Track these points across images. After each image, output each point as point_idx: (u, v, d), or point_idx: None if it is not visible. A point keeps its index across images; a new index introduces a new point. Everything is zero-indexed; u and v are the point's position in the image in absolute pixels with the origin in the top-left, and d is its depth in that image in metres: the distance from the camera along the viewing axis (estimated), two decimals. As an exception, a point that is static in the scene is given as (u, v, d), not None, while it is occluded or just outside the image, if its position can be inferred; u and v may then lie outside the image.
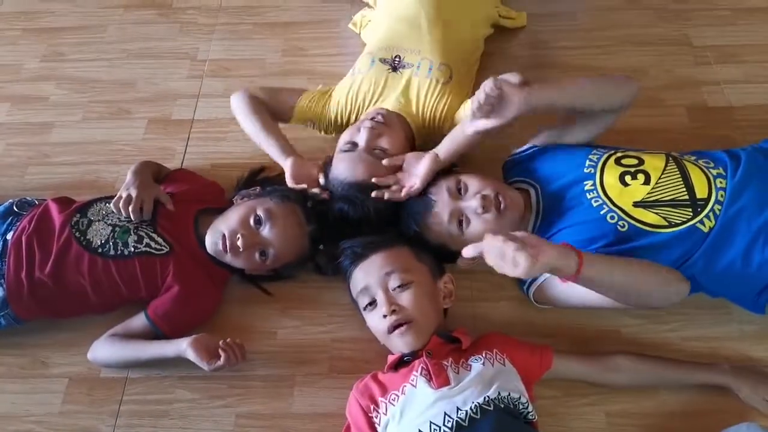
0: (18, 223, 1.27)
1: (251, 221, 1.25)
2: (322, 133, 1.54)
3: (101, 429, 1.19)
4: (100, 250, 1.24)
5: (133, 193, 1.27)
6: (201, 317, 1.28)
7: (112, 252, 1.24)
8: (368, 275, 1.18)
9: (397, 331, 1.12)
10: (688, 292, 1.10)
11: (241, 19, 1.90)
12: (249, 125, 1.43)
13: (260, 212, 1.26)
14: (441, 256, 1.26)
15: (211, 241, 1.26)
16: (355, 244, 1.24)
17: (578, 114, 1.26)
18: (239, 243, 1.22)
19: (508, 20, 1.77)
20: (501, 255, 0.97)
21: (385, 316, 1.13)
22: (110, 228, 1.26)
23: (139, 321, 1.24)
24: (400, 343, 1.13)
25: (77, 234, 1.25)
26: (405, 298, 1.14)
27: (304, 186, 1.33)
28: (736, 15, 1.79)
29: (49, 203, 1.32)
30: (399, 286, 1.15)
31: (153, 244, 1.26)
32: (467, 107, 1.36)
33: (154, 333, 1.23)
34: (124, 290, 1.25)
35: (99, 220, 1.28)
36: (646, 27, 1.79)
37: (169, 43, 1.85)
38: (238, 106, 1.45)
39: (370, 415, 1.07)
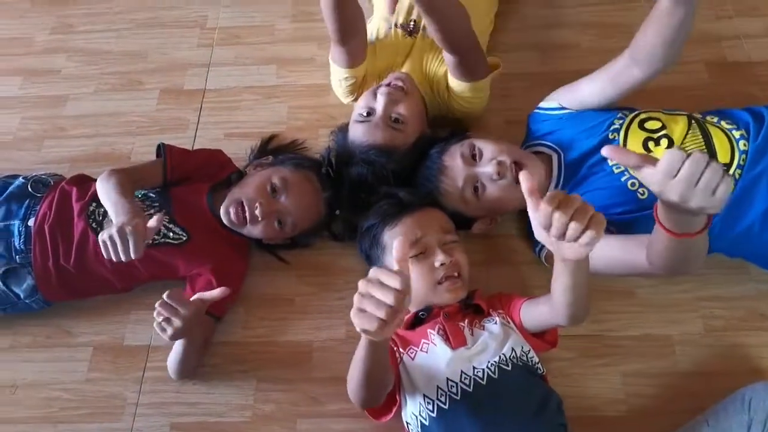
0: (38, 208, 1.27)
1: (268, 190, 1.26)
2: (346, 98, 1.52)
3: (127, 395, 1.23)
4: None
5: (115, 237, 1.05)
6: (235, 287, 1.28)
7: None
8: (424, 226, 1.16)
9: (448, 282, 1.12)
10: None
11: (249, -15, 1.87)
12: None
13: (276, 180, 1.26)
14: (455, 222, 1.26)
15: (225, 211, 1.25)
16: (408, 193, 1.23)
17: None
18: (257, 212, 1.22)
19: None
20: (693, 180, 0.76)
21: (442, 264, 1.11)
22: None
23: None
24: (446, 295, 1.12)
25: (93, 224, 1.25)
26: (457, 254, 1.15)
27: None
28: (757, -34, 1.73)
29: (64, 187, 1.30)
30: (453, 242, 1.16)
31: (171, 235, 1.25)
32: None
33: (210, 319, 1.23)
34: (147, 276, 1.27)
35: None
36: (665, -19, 1.74)
37: (177, 12, 1.83)
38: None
39: (393, 349, 1.09)
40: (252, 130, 1.55)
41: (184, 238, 1.26)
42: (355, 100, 1.49)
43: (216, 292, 1.07)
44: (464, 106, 1.42)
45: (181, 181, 1.33)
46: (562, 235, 0.79)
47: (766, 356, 1.16)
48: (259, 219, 1.23)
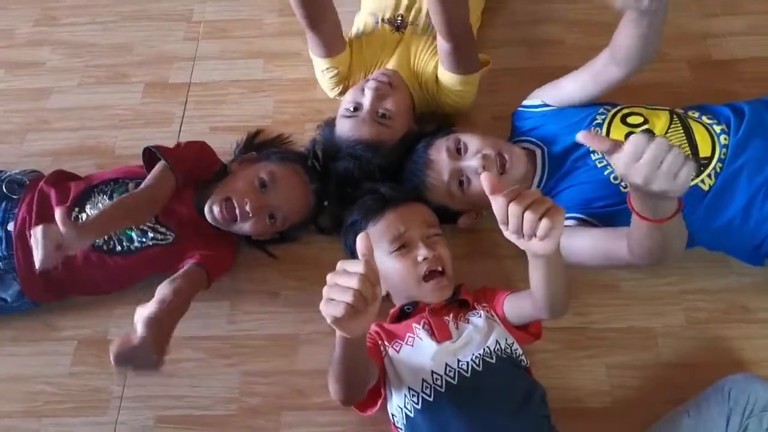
0: (16, 212, 1.23)
1: (256, 185, 1.25)
2: (332, 90, 1.52)
3: (111, 389, 1.22)
4: (105, 248, 1.22)
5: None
6: (226, 263, 1.30)
7: (118, 248, 1.22)
8: (407, 220, 1.16)
9: (434, 281, 1.12)
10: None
11: (236, -21, 1.87)
12: None
13: (264, 175, 1.25)
14: (441, 217, 1.26)
15: (209, 209, 1.23)
16: (391, 189, 1.23)
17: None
18: (248, 208, 1.21)
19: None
20: (656, 163, 0.79)
21: (425, 259, 1.12)
22: None
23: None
24: (433, 294, 1.12)
25: None
26: (440, 248, 1.15)
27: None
28: (742, -36, 1.75)
29: (43, 188, 1.26)
30: (436, 235, 1.17)
31: (158, 236, 1.24)
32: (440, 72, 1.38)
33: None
34: (137, 276, 1.27)
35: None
36: (650, -22, 1.75)
37: (163, 5, 1.82)
38: None
39: (378, 342, 1.10)
40: (238, 124, 1.54)
41: (171, 238, 1.24)
42: (341, 93, 1.49)
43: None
44: (453, 100, 1.43)
45: (187, 181, 1.28)
46: (519, 229, 0.80)
47: (747, 348, 1.18)
48: (250, 215, 1.22)
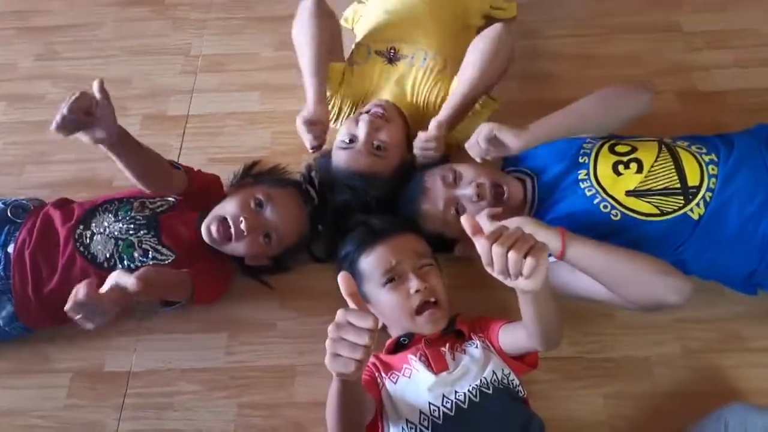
0: (17, 234, 1.25)
1: (252, 205, 1.26)
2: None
3: (106, 422, 1.21)
4: (105, 265, 1.23)
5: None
6: (223, 282, 1.33)
7: (119, 266, 1.23)
8: (396, 252, 1.15)
9: (427, 313, 1.11)
10: (690, 292, 1.03)
11: (233, 14, 1.91)
12: (306, 50, 1.43)
13: (259, 195, 1.27)
14: (437, 245, 1.27)
15: (206, 228, 1.24)
16: (381, 221, 1.23)
17: None
18: (243, 226, 1.22)
19: (499, 11, 1.78)
20: (503, 259, 0.83)
21: (417, 291, 1.11)
22: (113, 242, 1.24)
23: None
24: (427, 326, 1.11)
25: (81, 248, 1.24)
26: (432, 279, 1.15)
27: (306, 132, 1.33)
28: (726, 1, 1.80)
29: (49, 210, 1.29)
30: (425, 266, 1.16)
31: (159, 256, 1.25)
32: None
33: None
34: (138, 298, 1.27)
35: (101, 233, 1.25)
36: (637, 14, 1.80)
37: (162, 40, 1.85)
38: (296, 30, 1.47)
39: (375, 374, 1.09)
40: (235, 155, 1.56)
41: (172, 258, 1.26)
42: (331, 113, 1.51)
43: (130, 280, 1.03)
44: (458, 129, 1.45)
45: (199, 193, 1.34)
46: (505, 270, 0.82)
47: (742, 377, 1.18)
48: (245, 234, 1.23)
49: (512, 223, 0.98)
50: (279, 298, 1.35)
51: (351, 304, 0.78)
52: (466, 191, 1.22)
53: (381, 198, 1.31)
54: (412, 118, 1.46)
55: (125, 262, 1.23)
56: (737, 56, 1.68)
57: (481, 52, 1.37)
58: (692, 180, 1.15)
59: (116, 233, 1.25)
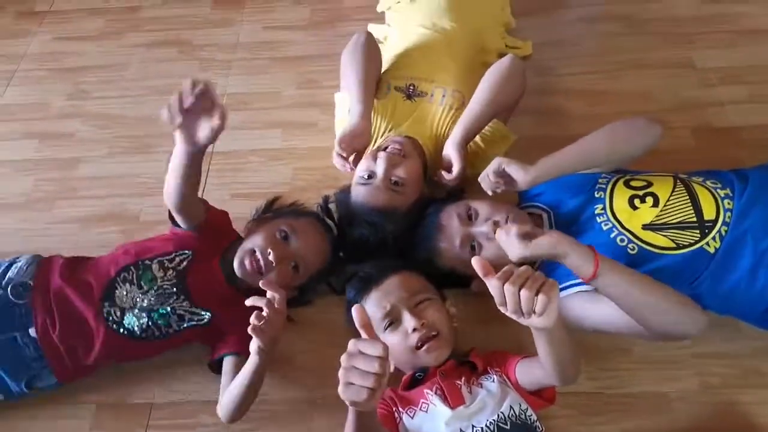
0: (32, 317, 1.20)
1: (277, 236, 1.29)
2: None
3: (129, 454, 1.23)
4: (144, 336, 1.23)
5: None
6: None
7: (157, 334, 1.24)
8: (389, 295, 1.18)
9: (425, 347, 1.12)
10: (705, 324, 1.06)
11: (257, 55, 1.97)
12: (355, 72, 1.50)
13: (284, 227, 1.30)
14: (453, 281, 1.29)
15: (240, 263, 1.26)
16: (368, 268, 1.26)
17: None
18: (271, 257, 1.24)
19: (515, 50, 1.83)
20: (515, 297, 0.86)
21: (414, 330, 1.13)
22: (146, 314, 1.23)
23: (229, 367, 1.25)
24: (428, 358, 1.13)
25: (115, 326, 1.22)
26: (430, 313, 1.16)
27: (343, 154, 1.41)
28: (739, 37, 1.84)
29: (61, 287, 1.23)
30: (422, 302, 1.17)
31: (196, 318, 1.26)
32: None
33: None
34: (173, 347, 1.29)
35: (131, 309, 1.23)
36: (650, 51, 1.84)
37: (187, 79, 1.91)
38: (346, 55, 1.55)
39: (392, 409, 1.11)
40: (257, 191, 1.60)
41: (207, 317, 1.26)
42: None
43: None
44: (474, 163, 1.48)
45: (215, 231, 1.35)
46: (518, 309, 0.84)
47: (761, 413, 1.17)
48: (274, 264, 1.24)
49: (547, 239, 1.00)
50: (297, 330, 1.36)
51: (363, 335, 0.81)
52: (482, 228, 1.24)
53: (398, 233, 1.34)
54: (431, 154, 1.49)
55: (163, 330, 1.24)
56: (751, 92, 1.70)
57: (493, 75, 1.45)
58: (708, 214, 1.17)
59: (147, 306, 1.23)
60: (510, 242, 1.01)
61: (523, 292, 0.83)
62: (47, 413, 1.29)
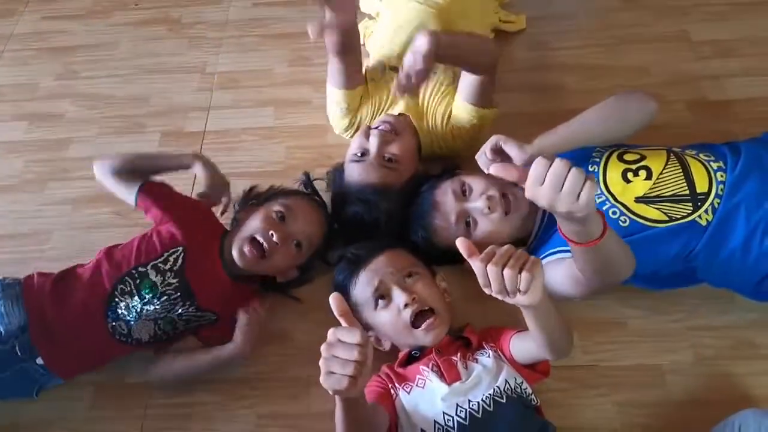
0: (39, 351, 1.16)
1: (274, 218, 1.28)
2: (342, 127, 1.59)
3: (128, 433, 1.23)
4: (152, 341, 1.23)
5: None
6: None
7: (165, 338, 1.25)
8: (377, 272, 1.19)
9: (424, 325, 1.13)
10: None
11: (247, 32, 1.95)
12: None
13: (279, 208, 1.29)
14: (449, 258, 1.29)
15: (239, 252, 1.23)
16: (355, 249, 1.26)
17: None
18: (275, 238, 1.24)
19: (509, 24, 1.81)
20: (558, 185, 0.80)
21: (406, 306, 1.13)
22: (152, 323, 1.21)
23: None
24: (427, 338, 1.14)
25: (124, 339, 1.21)
26: (419, 287, 1.16)
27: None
28: (733, 9, 1.83)
29: (62, 317, 1.17)
30: (410, 276, 1.18)
31: (202, 320, 1.26)
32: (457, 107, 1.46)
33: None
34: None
35: (136, 320, 1.19)
36: (645, 25, 1.83)
37: (178, 58, 1.90)
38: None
39: (388, 386, 1.11)
40: (251, 170, 1.59)
41: (215, 317, 1.26)
42: (348, 128, 1.56)
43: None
44: (464, 139, 1.48)
45: (192, 215, 1.31)
46: (502, 288, 0.83)
47: (755, 384, 1.19)
48: (278, 245, 1.24)
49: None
50: (297, 309, 1.36)
51: (343, 323, 0.81)
52: (477, 204, 1.24)
53: (392, 211, 1.34)
54: (422, 132, 1.49)
55: (171, 334, 1.24)
56: (746, 65, 1.70)
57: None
58: (701, 187, 1.17)
59: (152, 315, 1.20)
60: (577, 192, 0.82)
61: (506, 271, 0.82)
62: (44, 394, 1.28)
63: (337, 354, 0.78)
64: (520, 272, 0.81)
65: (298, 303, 1.36)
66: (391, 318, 1.15)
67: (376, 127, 1.40)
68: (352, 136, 1.57)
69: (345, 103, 1.53)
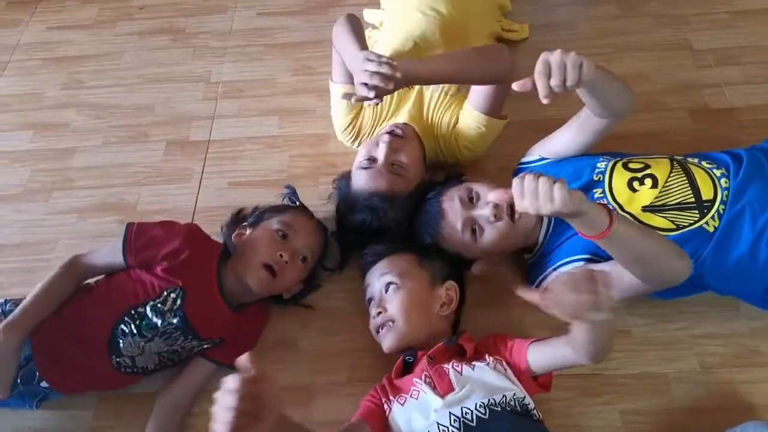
0: (44, 376, 1.17)
1: (278, 238, 1.28)
2: (346, 122, 1.58)
3: (132, 443, 1.23)
4: (158, 368, 1.24)
5: None
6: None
7: (170, 364, 1.25)
8: (371, 276, 1.27)
9: (382, 331, 1.21)
10: (690, 267, 1.06)
11: (251, 41, 1.96)
12: (337, 36, 1.43)
13: (278, 227, 1.29)
14: (456, 263, 1.29)
15: (258, 282, 1.24)
16: (368, 251, 1.31)
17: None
18: (286, 258, 1.24)
19: (511, 33, 1.82)
20: (535, 193, 0.94)
21: (373, 317, 1.22)
22: (156, 356, 1.22)
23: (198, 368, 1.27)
24: (381, 342, 1.21)
25: (129, 370, 1.21)
26: (392, 302, 1.21)
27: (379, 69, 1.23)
28: (734, 18, 1.84)
29: (66, 351, 1.17)
30: (388, 288, 1.22)
31: (204, 346, 1.25)
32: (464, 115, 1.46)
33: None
34: None
35: (139, 355, 1.20)
36: (646, 33, 1.83)
37: (183, 67, 1.91)
38: (337, 26, 1.44)
39: (382, 401, 1.12)
40: (255, 179, 1.60)
41: (219, 341, 1.26)
42: (351, 133, 1.56)
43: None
44: (468, 147, 1.48)
45: (149, 260, 1.23)
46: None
47: (760, 392, 1.18)
48: (287, 263, 1.25)
49: (578, 193, 0.97)
50: (298, 318, 1.36)
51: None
52: (483, 211, 1.24)
53: (399, 218, 1.34)
54: (425, 139, 1.50)
55: (176, 360, 1.25)
56: (747, 73, 1.70)
57: (475, 48, 1.44)
58: (706, 194, 1.17)
59: (155, 350, 1.21)
60: (552, 194, 0.93)
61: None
62: (49, 403, 1.25)
63: (220, 401, 0.79)
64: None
65: (314, 310, 1.37)
66: (371, 318, 1.25)
67: (386, 133, 1.41)
68: (350, 140, 1.58)
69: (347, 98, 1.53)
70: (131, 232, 1.25)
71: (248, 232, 1.32)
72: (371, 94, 1.23)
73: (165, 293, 1.19)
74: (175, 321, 1.19)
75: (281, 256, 1.25)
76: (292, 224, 1.31)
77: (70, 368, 1.19)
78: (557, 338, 1.04)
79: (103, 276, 1.27)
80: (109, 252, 1.25)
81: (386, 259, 1.27)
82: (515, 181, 0.97)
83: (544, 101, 1.01)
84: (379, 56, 1.24)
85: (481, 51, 1.42)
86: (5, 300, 1.23)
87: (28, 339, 1.16)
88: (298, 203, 1.42)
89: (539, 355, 1.09)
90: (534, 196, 0.94)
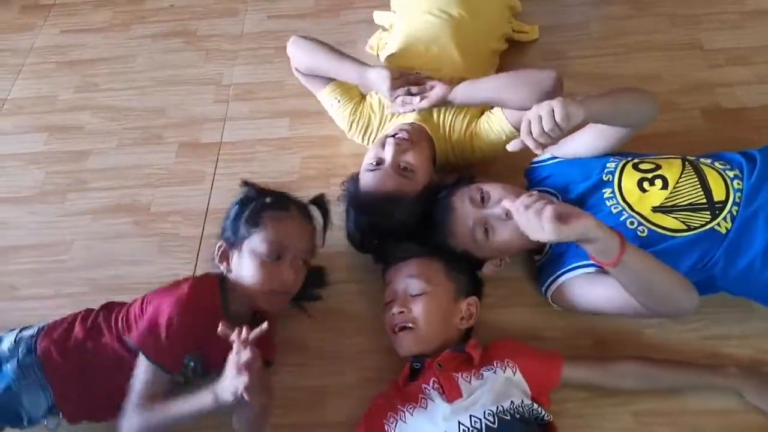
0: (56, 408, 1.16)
1: (275, 258, 1.20)
2: (348, 121, 1.60)
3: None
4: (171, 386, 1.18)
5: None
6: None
7: (184, 381, 1.20)
8: (396, 274, 1.25)
9: (401, 332, 1.19)
10: (697, 303, 1.08)
11: (262, 44, 1.98)
12: (317, 57, 1.52)
13: (266, 250, 1.19)
14: (465, 264, 1.29)
15: (270, 305, 1.23)
16: (400, 248, 1.31)
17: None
18: (289, 277, 1.20)
19: (522, 34, 1.82)
20: (528, 221, 1.00)
21: (394, 314, 1.20)
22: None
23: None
24: (398, 343, 1.20)
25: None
26: (416, 305, 1.19)
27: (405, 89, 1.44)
28: (745, 18, 1.83)
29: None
30: (415, 295, 1.21)
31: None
32: (490, 119, 1.45)
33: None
34: None
35: None
36: (657, 33, 1.83)
37: (195, 70, 1.93)
38: (300, 47, 1.54)
39: (387, 413, 1.12)
40: (266, 180, 1.58)
41: None
42: (357, 127, 1.58)
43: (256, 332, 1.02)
44: (485, 150, 1.49)
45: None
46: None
47: (774, 394, 1.17)
48: (294, 277, 1.21)
49: (582, 223, 0.98)
50: (308, 320, 1.35)
51: None
52: (494, 211, 1.24)
53: (408, 220, 1.34)
54: (438, 142, 1.50)
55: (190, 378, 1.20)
56: (759, 72, 1.69)
57: (521, 73, 1.43)
58: (718, 195, 1.17)
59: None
60: (541, 224, 0.98)
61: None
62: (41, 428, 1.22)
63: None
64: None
65: (313, 318, 1.34)
66: (387, 316, 1.24)
67: (392, 136, 1.41)
68: (360, 137, 1.59)
69: (337, 95, 1.55)
70: (151, 354, 1.14)
71: (233, 257, 1.22)
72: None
73: (186, 362, 1.17)
74: (198, 377, 1.19)
75: (287, 277, 1.20)
76: (279, 239, 1.20)
77: (94, 408, 1.18)
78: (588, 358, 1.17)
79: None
80: (149, 379, 1.13)
81: (416, 260, 1.26)
82: (517, 202, 1.04)
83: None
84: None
85: (526, 77, 1.39)
86: (16, 337, 1.19)
87: (49, 393, 1.14)
88: (270, 200, 1.26)
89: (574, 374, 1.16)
90: (528, 228, 1.01)
